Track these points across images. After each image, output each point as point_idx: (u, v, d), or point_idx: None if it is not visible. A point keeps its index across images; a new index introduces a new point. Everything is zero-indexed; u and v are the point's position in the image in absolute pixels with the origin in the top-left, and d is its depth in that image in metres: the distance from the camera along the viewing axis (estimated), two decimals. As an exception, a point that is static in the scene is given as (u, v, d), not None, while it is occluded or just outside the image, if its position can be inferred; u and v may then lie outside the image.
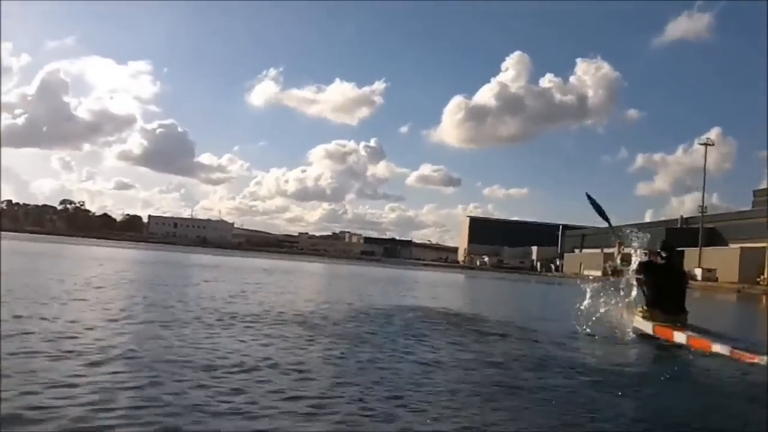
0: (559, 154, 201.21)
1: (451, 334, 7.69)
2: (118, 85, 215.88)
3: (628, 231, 8.71)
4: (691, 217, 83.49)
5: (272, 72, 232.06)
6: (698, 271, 67.37)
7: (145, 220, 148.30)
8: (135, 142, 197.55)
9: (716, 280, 64.31)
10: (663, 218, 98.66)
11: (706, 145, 72.51)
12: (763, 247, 62.20)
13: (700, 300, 27.50)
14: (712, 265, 67.46)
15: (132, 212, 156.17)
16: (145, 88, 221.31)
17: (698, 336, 7.35)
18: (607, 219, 9.35)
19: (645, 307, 8.33)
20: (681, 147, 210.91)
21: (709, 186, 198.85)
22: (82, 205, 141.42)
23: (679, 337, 7.47)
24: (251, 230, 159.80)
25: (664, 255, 8.36)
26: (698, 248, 70.91)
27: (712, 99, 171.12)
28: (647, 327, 8.11)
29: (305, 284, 18.80)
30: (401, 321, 8.76)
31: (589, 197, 9.58)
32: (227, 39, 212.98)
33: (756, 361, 5.97)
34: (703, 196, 72.87)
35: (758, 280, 58.54)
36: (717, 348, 6.69)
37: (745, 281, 59.26)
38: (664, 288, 8.21)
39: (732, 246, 69.73)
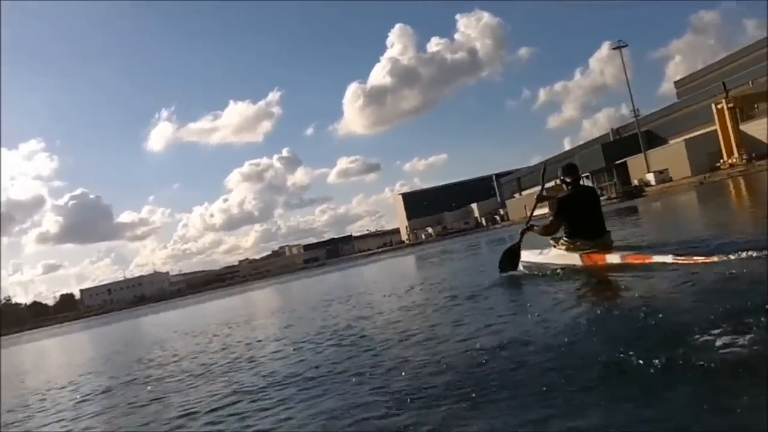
0: (465, 112, 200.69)
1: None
2: (15, 171, 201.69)
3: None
4: (621, 127, 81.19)
5: (164, 113, 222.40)
6: (650, 176, 64.64)
7: (78, 296, 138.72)
8: (50, 221, 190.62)
9: (671, 179, 61.77)
10: (581, 142, 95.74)
11: (619, 47, 69.49)
12: (707, 133, 59.85)
13: (661, 212, 22.52)
14: (660, 166, 64.88)
15: (67, 291, 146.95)
16: (44, 166, 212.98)
17: (633, 252, 6.67)
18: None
19: (566, 239, 7.46)
20: (578, 70, 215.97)
21: (615, 99, 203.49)
22: (8, 300, 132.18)
23: (612, 258, 6.72)
24: (189, 273, 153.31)
25: (568, 181, 7.54)
26: (642, 154, 68.29)
27: (597, 16, 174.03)
28: (574, 259, 7.26)
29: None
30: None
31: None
32: (108, 95, 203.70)
33: (705, 260, 5.34)
34: (631, 99, 70.52)
35: (718, 165, 55.92)
36: (657, 258, 5.97)
37: (699, 172, 56.68)
38: (580, 214, 7.34)
39: (673, 142, 67.47)
